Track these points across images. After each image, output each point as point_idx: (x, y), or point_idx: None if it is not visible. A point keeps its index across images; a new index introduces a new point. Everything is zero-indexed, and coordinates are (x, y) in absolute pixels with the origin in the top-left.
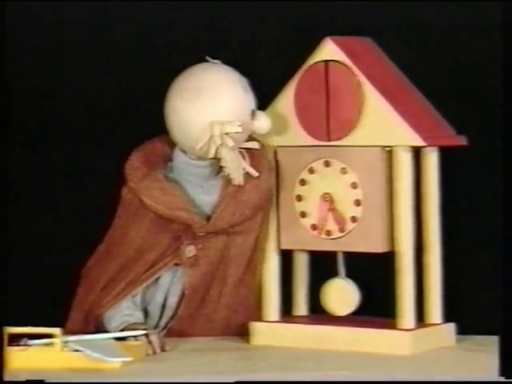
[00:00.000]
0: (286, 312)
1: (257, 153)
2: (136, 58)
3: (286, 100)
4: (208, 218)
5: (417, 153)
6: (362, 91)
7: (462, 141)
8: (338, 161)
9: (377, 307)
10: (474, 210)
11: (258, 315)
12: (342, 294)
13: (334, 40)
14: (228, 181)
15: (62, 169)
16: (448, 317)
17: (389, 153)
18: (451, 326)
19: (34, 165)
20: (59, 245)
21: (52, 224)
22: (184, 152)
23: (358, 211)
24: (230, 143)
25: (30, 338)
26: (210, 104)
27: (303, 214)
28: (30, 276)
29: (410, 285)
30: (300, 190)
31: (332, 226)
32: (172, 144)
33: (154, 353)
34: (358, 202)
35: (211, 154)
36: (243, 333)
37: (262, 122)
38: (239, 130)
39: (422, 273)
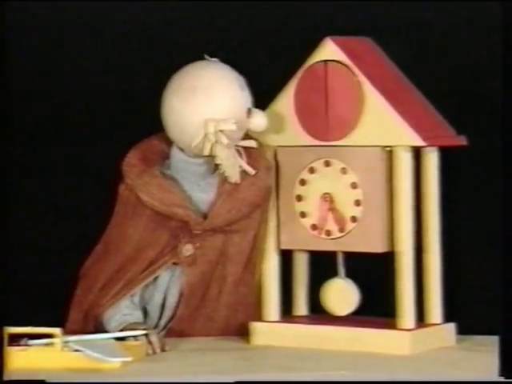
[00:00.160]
0: (286, 312)
1: (255, 151)
2: (136, 58)
3: (286, 100)
4: (205, 216)
5: (417, 153)
6: (361, 91)
7: (461, 141)
8: (338, 161)
9: (377, 307)
10: (474, 209)
11: (258, 314)
12: (342, 294)
13: (333, 40)
14: (225, 178)
15: (62, 169)
16: (448, 317)
17: (389, 153)
18: (451, 326)
19: (34, 165)
20: (59, 245)
21: (52, 224)
22: (181, 150)
23: (357, 211)
24: (225, 141)
25: (30, 338)
26: (206, 102)
27: (303, 214)
28: (30, 276)
29: (410, 285)
30: (300, 189)
31: (332, 225)
32: (169, 142)
33: (154, 353)
34: (357, 202)
35: (206, 152)
36: (243, 332)
37: (259, 120)
38: (234, 127)
39: (422, 273)
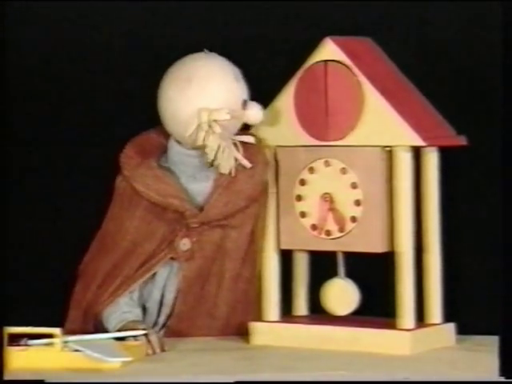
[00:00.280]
0: (286, 312)
1: (252, 146)
2: (136, 58)
3: (286, 100)
4: (201, 209)
5: (417, 153)
6: (361, 91)
7: (461, 141)
8: (337, 161)
9: (377, 307)
10: (474, 210)
11: (257, 311)
12: (342, 294)
13: (333, 40)
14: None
15: (61, 168)
16: (448, 317)
17: (389, 153)
18: (451, 326)
19: (34, 165)
20: (59, 245)
21: (52, 224)
22: (178, 143)
23: (357, 211)
24: (218, 130)
25: (30, 337)
26: (200, 93)
27: (303, 214)
28: (30, 276)
29: (410, 285)
30: (300, 189)
31: (332, 225)
32: (167, 135)
33: (154, 353)
34: (357, 202)
35: (199, 141)
36: (243, 330)
37: (254, 112)
38: (227, 117)
39: (422, 273)
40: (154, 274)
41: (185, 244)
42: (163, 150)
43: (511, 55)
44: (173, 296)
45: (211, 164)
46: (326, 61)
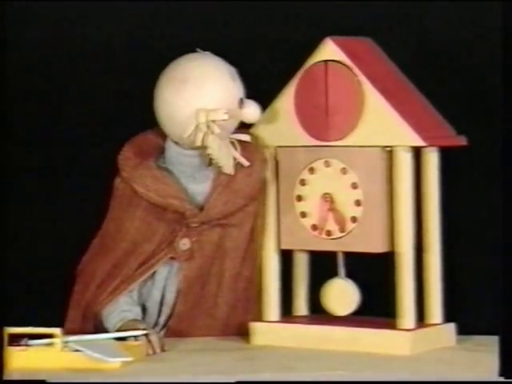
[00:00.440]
0: (286, 312)
1: (250, 144)
2: (136, 58)
3: (286, 100)
4: (201, 208)
5: (417, 153)
6: (362, 91)
7: (462, 141)
8: (338, 161)
9: (377, 307)
10: (474, 209)
11: (258, 310)
12: (342, 294)
13: (334, 40)
14: (220, 171)
15: (62, 168)
16: (448, 317)
17: (389, 153)
18: (451, 326)
19: (34, 165)
20: (59, 245)
21: (52, 224)
22: (176, 143)
23: (358, 211)
24: (216, 130)
25: (31, 338)
26: (197, 93)
27: (303, 214)
28: (30, 276)
29: (410, 285)
30: (300, 190)
31: (332, 226)
32: (165, 136)
33: (154, 353)
34: (358, 202)
35: (198, 142)
36: (244, 330)
37: (251, 111)
38: (225, 117)
39: (422, 273)
40: (154, 274)
41: (184, 244)
42: (161, 151)
43: (511, 55)
44: (173, 296)
45: (211, 164)
46: (326, 61)
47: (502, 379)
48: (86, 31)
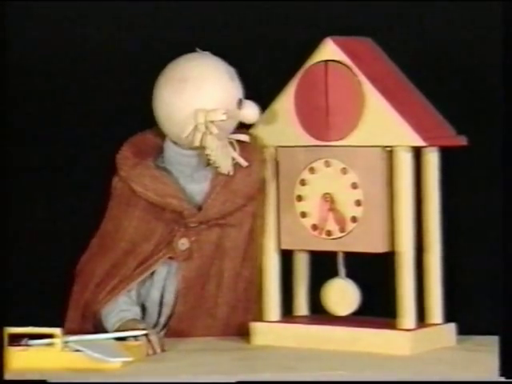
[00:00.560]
0: (287, 312)
1: (249, 144)
2: (136, 59)
3: (287, 100)
4: (199, 208)
5: (417, 153)
6: (362, 91)
7: (462, 141)
8: (338, 161)
9: (377, 307)
10: (474, 209)
11: (258, 310)
12: (343, 294)
13: (334, 40)
14: (219, 171)
15: (62, 168)
16: (448, 317)
17: (389, 153)
18: (452, 326)
19: (34, 165)
20: (59, 245)
21: (52, 224)
22: (174, 143)
23: (358, 211)
24: (215, 131)
25: (31, 338)
26: (196, 93)
27: (304, 214)
28: (30, 276)
29: (411, 285)
30: (300, 190)
31: (332, 226)
32: (163, 135)
33: (154, 353)
34: (358, 202)
35: (197, 142)
36: (244, 330)
37: (250, 111)
38: (224, 117)
39: (423, 273)
40: (153, 274)
41: (183, 244)
42: (160, 151)
43: (511, 55)
44: (172, 296)
45: (209, 164)
46: (326, 61)
47: (502, 379)
48: (86, 31)
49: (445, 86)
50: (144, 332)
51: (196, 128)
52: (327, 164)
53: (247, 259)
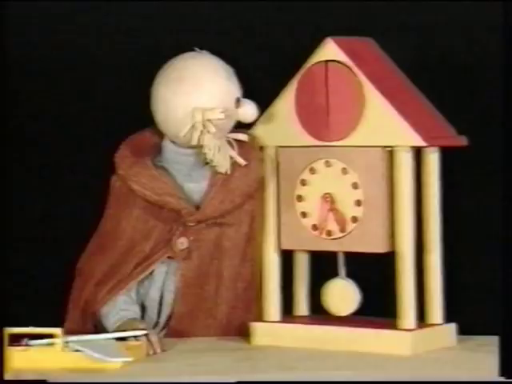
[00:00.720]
0: (287, 312)
1: (247, 143)
2: (136, 59)
3: (287, 100)
4: (198, 207)
5: (417, 153)
6: (362, 91)
7: (462, 141)
8: (338, 161)
9: (377, 307)
10: (475, 210)
11: (258, 310)
12: (343, 295)
13: (334, 40)
14: (216, 169)
15: (62, 168)
16: (448, 317)
17: (389, 153)
18: (452, 327)
19: (34, 165)
20: (59, 245)
21: (52, 224)
22: (173, 142)
23: (358, 211)
24: (212, 129)
25: (31, 338)
26: (193, 92)
27: (304, 214)
28: (30, 276)
29: (411, 285)
30: (301, 190)
31: (333, 226)
32: (161, 134)
33: (155, 353)
34: (358, 202)
35: (194, 141)
36: (244, 329)
37: (248, 110)
38: (221, 116)
39: (423, 273)
40: (152, 273)
41: (182, 243)
42: (158, 150)
43: (511, 55)
44: (172, 296)
45: (206, 163)
46: (326, 61)
47: (502, 379)
48: (85, 31)
49: (445, 85)
50: (144, 332)
51: (193, 127)
52: (327, 164)
53: (246, 259)
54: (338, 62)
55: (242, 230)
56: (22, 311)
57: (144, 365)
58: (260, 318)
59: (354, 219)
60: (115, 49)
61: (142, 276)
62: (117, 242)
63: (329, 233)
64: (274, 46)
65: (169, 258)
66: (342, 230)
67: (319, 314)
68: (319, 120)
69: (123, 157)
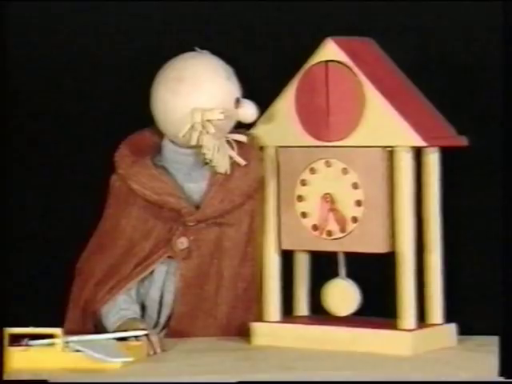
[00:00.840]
0: (287, 312)
1: (247, 143)
2: (136, 59)
3: (287, 100)
4: (197, 207)
5: (418, 153)
6: (362, 91)
7: (462, 141)
8: (338, 161)
9: (377, 307)
10: (474, 209)
11: (258, 310)
12: (343, 295)
13: (334, 40)
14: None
15: (62, 168)
16: (448, 317)
17: (390, 153)
18: (452, 327)
19: (34, 165)
20: (59, 245)
21: (52, 224)
22: (172, 142)
23: (358, 211)
24: (212, 130)
25: (31, 338)
26: (192, 92)
27: (304, 215)
28: (30, 276)
29: (411, 285)
30: (301, 190)
31: (333, 226)
32: (161, 134)
33: (155, 353)
34: (358, 203)
35: (193, 142)
36: (245, 329)
37: (248, 110)
38: (221, 116)
39: (423, 273)
40: (152, 273)
41: (182, 243)
42: (157, 149)
43: (511, 55)
44: (172, 296)
45: (206, 163)
46: (326, 61)
47: (502, 379)
48: (85, 31)
49: (445, 86)
50: (144, 332)
51: (193, 127)
52: (328, 164)
53: (247, 258)
54: (338, 62)
55: (242, 229)
56: (21, 311)
57: (144, 365)
58: (260, 318)
59: (354, 219)
60: (115, 49)
61: (141, 276)
62: (116, 242)
63: (329, 233)
64: (274, 45)
65: (169, 257)
66: (342, 230)
67: (319, 314)
68: (319, 120)
69: (123, 156)
